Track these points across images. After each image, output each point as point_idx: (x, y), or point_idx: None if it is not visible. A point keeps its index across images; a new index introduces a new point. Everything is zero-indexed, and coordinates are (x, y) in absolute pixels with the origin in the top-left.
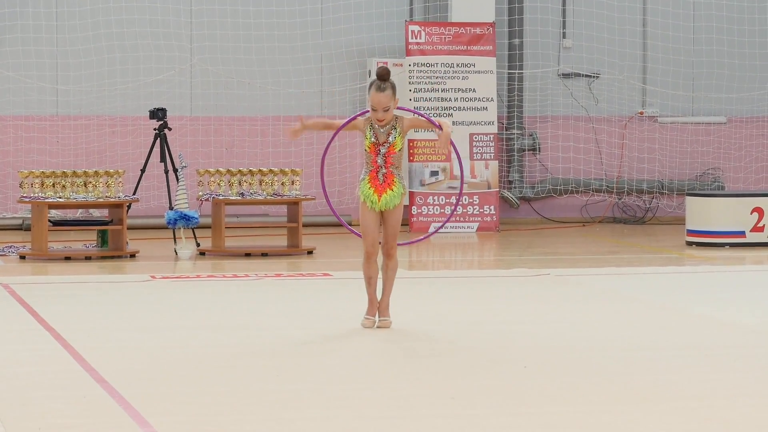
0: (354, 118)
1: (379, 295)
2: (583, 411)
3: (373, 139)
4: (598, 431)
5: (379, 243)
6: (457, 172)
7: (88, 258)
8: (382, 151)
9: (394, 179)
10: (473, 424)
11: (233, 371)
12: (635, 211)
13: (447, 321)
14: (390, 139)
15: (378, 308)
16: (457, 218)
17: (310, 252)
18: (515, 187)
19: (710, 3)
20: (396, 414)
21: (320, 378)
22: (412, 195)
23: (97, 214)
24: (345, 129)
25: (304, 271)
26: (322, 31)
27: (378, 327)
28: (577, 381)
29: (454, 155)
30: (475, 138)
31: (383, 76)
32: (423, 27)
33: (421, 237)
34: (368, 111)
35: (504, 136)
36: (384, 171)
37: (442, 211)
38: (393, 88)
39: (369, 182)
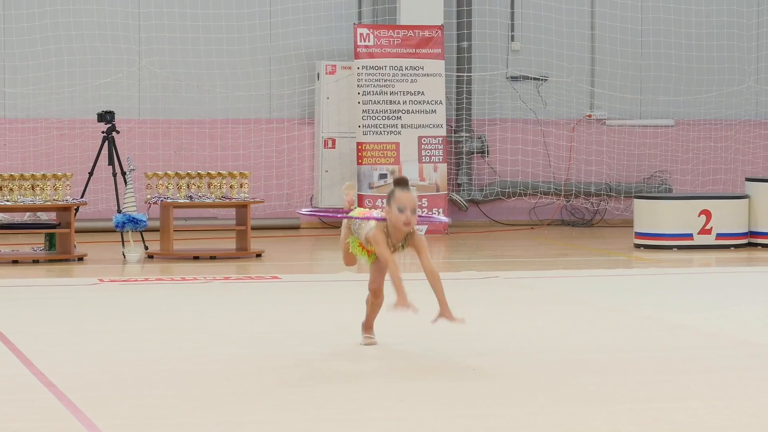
0: (366, 218)
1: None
2: (532, 413)
3: None
4: None
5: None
6: (405, 174)
7: (35, 261)
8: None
9: None
10: (422, 427)
11: (181, 374)
12: (583, 214)
13: (394, 324)
14: (397, 252)
15: (363, 325)
16: None
17: (258, 255)
18: (464, 190)
19: (658, 7)
20: (345, 417)
21: (269, 380)
22: (360, 198)
23: (44, 217)
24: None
25: (253, 274)
26: (270, 34)
27: (365, 345)
28: (525, 383)
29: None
30: (424, 141)
31: (405, 181)
32: (371, 30)
33: None
34: (380, 219)
35: (453, 139)
36: None
37: None
38: None
39: (360, 245)
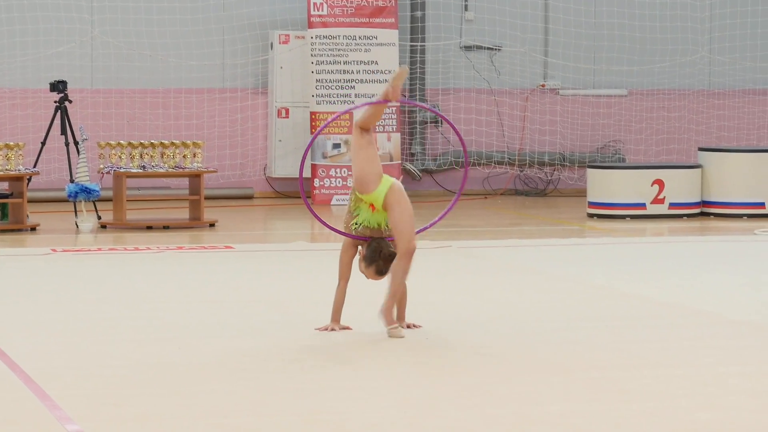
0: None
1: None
2: (484, 382)
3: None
4: (500, 402)
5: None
6: None
7: None
8: None
9: None
10: (376, 395)
11: (134, 344)
12: (537, 183)
13: (348, 294)
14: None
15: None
16: None
17: (212, 225)
18: (417, 160)
19: None
20: (298, 386)
21: (222, 350)
22: (314, 167)
23: None
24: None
25: (206, 244)
26: (224, 3)
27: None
28: (479, 352)
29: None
30: None
31: (388, 266)
32: None
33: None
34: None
35: (406, 109)
36: None
37: (344, 183)
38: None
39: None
